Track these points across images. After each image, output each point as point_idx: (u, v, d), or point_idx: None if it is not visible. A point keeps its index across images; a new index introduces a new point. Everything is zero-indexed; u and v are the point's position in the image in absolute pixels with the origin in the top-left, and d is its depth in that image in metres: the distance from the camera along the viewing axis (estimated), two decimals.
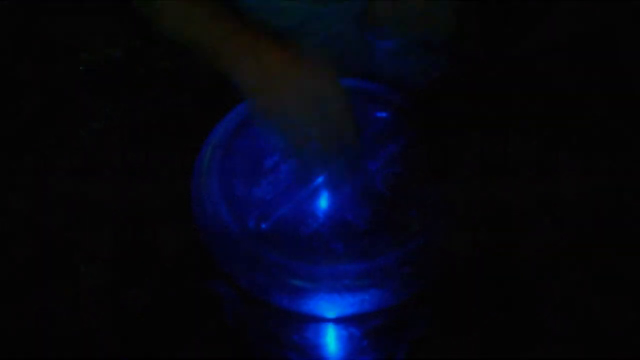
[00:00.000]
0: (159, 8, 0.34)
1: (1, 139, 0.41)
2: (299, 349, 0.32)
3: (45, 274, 0.35)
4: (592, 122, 0.39)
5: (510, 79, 0.41)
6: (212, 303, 0.34)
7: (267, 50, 0.30)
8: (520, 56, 0.42)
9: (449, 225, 0.31)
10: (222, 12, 0.33)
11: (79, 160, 0.40)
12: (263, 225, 0.30)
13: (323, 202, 0.32)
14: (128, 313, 0.34)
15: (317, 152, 0.29)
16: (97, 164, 0.40)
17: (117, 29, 0.47)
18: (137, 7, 0.36)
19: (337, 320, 0.30)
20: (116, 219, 0.37)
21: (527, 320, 0.32)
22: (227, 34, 0.31)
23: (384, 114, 0.36)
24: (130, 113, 0.43)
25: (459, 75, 0.39)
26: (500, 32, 0.42)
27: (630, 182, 0.36)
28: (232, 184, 0.32)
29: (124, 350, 0.32)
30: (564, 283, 0.33)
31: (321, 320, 0.30)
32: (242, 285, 0.30)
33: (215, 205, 0.31)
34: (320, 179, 0.32)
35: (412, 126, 0.35)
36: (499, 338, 0.32)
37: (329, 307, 0.29)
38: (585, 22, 0.43)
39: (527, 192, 0.36)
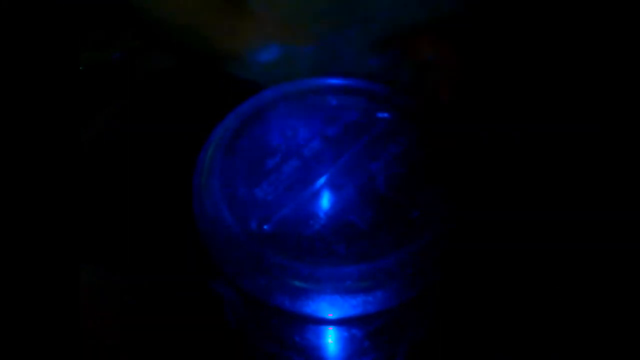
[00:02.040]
0: None
1: (1, 138, 0.41)
2: (300, 349, 0.32)
3: (44, 273, 0.35)
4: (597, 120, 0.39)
5: (514, 77, 0.41)
6: (213, 304, 0.34)
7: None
8: (525, 55, 0.42)
9: (451, 226, 0.30)
10: None
11: (78, 160, 0.40)
12: (265, 227, 0.30)
13: (325, 203, 0.31)
14: (127, 314, 0.33)
15: None
16: (96, 164, 0.40)
17: (117, 29, 0.47)
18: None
19: (339, 322, 0.30)
20: (115, 219, 0.37)
21: (530, 321, 0.32)
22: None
23: (385, 115, 0.36)
24: (130, 113, 0.43)
25: (462, 75, 0.39)
26: (503, 32, 0.42)
27: (631, 179, 0.36)
28: (234, 185, 0.32)
29: (123, 351, 0.32)
30: (567, 284, 0.33)
31: (323, 321, 0.30)
32: (243, 287, 0.30)
33: (216, 206, 0.31)
34: (322, 180, 0.32)
35: (414, 127, 0.35)
36: (501, 339, 0.32)
37: (331, 308, 0.29)
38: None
39: (530, 192, 0.36)
